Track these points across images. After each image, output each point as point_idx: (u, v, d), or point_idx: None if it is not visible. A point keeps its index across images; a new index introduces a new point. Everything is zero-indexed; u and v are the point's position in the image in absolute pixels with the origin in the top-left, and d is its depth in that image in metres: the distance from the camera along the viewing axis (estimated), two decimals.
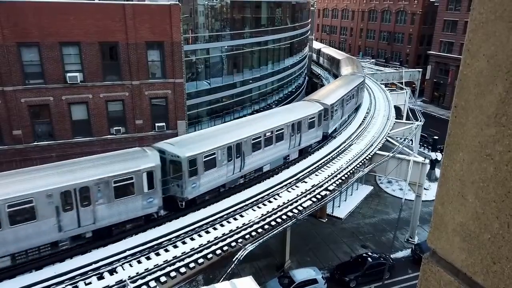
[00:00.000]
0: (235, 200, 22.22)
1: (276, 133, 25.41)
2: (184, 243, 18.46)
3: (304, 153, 29.03)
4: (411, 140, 38.08)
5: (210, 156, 21.32)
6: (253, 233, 19.70)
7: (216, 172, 21.75)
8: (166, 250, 17.88)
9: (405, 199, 28.82)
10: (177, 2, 27.45)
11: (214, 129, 25.27)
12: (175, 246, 18.19)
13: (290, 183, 24.64)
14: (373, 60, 77.69)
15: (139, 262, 17.01)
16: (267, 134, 24.85)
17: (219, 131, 23.79)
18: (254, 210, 21.52)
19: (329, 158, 28.46)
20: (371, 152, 30.20)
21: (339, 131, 34.67)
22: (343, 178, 26.18)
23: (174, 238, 18.69)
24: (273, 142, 25.23)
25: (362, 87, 41.56)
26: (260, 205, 22.09)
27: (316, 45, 77.06)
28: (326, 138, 31.69)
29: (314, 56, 72.41)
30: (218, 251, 18.19)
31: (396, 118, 40.00)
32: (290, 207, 21.91)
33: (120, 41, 25.44)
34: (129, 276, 15.99)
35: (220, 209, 21.24)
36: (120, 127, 26.72)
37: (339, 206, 35.25)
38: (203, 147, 21.13)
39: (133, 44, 25.70)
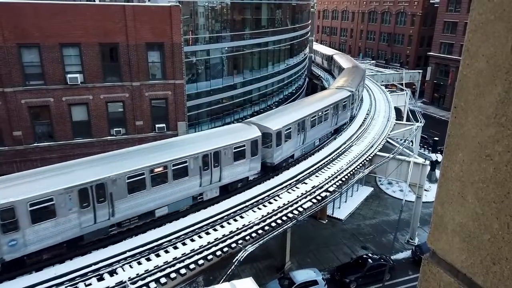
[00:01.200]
0: (235, 202, 22.20)
1: (173, 167, 19.63)
2: (184, 244, 18.44)
3: (231, 190, 23.06)
4: (412, 141, 38.05)
5: (44, 202, 15.79)
6: (253, 234, 19.68)
7: (59, 223, 16.27)
8: (166, 251, 17.87)
9: (405, 200, 28.80)
10: (177, 4, 27.49)
11: (71, 163, 18.24)
12: (175, 248, 18.17)
13: (290, 184, 24.63)
14: (373, 61, 77.73)
15: (139, 263, 17.00)
16: (157, 169, 19.12)
17: (75, 166, 17.77)
18: (254, 211, 21.50)
19: (330, 159, 28.41)
20: (371, 154, 30.20)
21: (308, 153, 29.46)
22: (344, 179, 26.16)
23: (174, 239, 18.67)
24: (168, 179, 19.54)
25: (345, 104, 34.19)
26: (260, 206, 22.08)
27: (327, 50, 69.00)
28: (274, 170, 25.60)
29: (325, 63, 65.11)
30: (218, 252, 18.18)
31: (396, 119, 40.00)
32: (290, 208, 21.89)
33: (120, 42, 25.47)
34: (129, 277, 15.98)
35: (220, 211, 21.21)
36: (120, 128, 26.74)
37: (339, 207, 35.22)
38: (30, 190, 15.56)
39: (133, 45, 25.72)
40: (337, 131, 34.32)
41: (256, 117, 27.77)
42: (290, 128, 26.33)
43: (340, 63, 53.90)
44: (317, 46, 74.24)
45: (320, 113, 30.21)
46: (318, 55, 69.84)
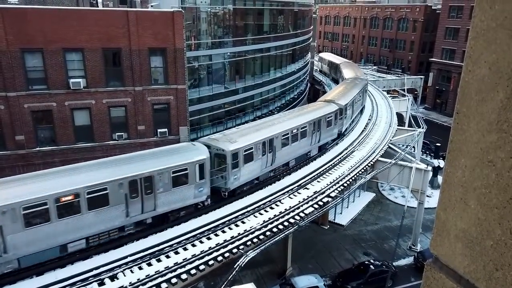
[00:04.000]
0: (236, 207, 22.16)
1: None
2: (185, 249, 18.41)
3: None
4: (414, 147, 38.00)
5: None
6: (255, 240, 19.63)
7: None
8: (168, 256, 17.83)
9: (407, 206, 28.69)
10: (180, 9, 27.64)
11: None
12: (177, 253, 18.13)
13: (292, 189, 24.59)
14: (375, 67, 77.86)
15: (140, 268, 16.96)
16: None
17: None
18: (256, 217, 21.46)
19: (330, 165, 28.39)
20: (373, 159, 30.15)
21: None
22: (345, 185, 26.11)
23: (175, 244, 18.63)
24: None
25: (330, 120, 29.34)
26: (262, 211, 22.03)
27: (348, 72, 50.41)
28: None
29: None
30: (220, 258, 18.13)
31: (398, 125, 39.95)
32: (292, 214, 21.84)
33: (123, 47, 25.58)
34: (130, 282, 15.94)
35: (221, 215, 21.17)
36: (122, 133, 26.79)
37: (341, 213, 35.12)
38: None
39: (136, 50, 25.84)
40: (321, 149, 31.46)
41: (212, 136, 24.98)
42: (251, 149, 23.45)
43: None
44: (346, 71, 52.02)
45: (295, 130, 27.07)
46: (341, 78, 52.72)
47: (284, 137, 26.07)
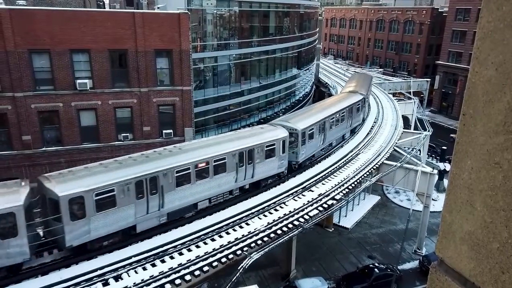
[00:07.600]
0: (241, 208, 22.15)
1: None
2: (189, 250, 18.42)
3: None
4: (419, 150, 37.78)
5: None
6: (259, 242, 19.60)
7: None
8: (172, 257, 17.85)
9: (412, 209, 28.52)
10: (186, 11, 27.75)
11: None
12: (181, 253, 18.15)
13: (296, 191, 24.54)
14: (381, 69, 77.63)
15: (144, 269, 16.99)
16: None
17: None
18: (260, 218, 21.43)
19: (336, 167, 28.32)
20: (378, 162, 30.01)
21: None
22: (350, 187, 26.01)
23: (179, 245, 18.66)
24: None
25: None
26: (266, 213, 22.00)
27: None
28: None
29: None
30: (224, 259, 18.12)
31: (404, 128, 39.76)
32: (296, 216, 21.79)
33: (129, 48, 25.72)
34: (134, 283, 15.97)
35: (226, 217, 21.18)
36: (127, 134, 26.90)
37: (345, 216, 34.99)
38: None
39: (142, 52, 25.97)
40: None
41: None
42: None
43: None
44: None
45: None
46: None
47: None
